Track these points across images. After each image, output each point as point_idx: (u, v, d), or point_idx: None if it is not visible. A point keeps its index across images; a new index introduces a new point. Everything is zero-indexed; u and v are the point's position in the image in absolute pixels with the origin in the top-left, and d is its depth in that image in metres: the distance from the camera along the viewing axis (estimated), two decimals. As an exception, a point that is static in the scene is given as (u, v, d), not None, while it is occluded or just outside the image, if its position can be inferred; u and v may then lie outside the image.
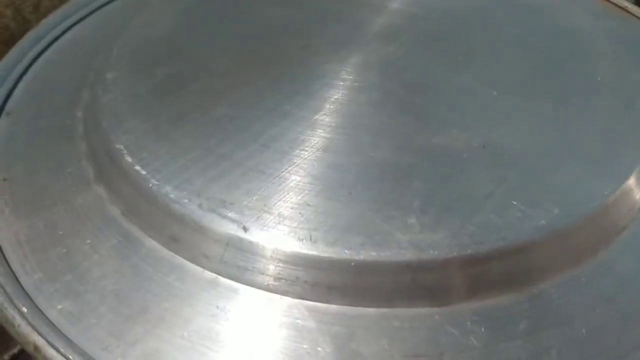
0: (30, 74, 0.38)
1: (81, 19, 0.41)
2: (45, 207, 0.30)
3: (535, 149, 0.30)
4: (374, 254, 0.25)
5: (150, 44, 0.37)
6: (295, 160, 0.30)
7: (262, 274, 0.26)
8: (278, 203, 0.28)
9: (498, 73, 0.35)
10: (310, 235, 0.26)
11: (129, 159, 0.30)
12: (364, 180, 0.29)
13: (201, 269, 0.27)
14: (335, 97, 0.33)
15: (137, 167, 0.29)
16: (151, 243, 0.28)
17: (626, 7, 0.41)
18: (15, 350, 0.43)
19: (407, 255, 0.25)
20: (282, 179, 0.29)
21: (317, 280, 0.26)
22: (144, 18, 0.39)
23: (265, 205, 0.27)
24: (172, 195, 0.28)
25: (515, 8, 0.40)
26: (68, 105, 0.35)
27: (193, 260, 0.27)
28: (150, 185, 0.29)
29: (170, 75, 0.34)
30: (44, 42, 0.39)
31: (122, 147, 0.30)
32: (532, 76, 0.35)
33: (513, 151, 0.30)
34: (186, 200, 0.28)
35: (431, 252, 0.25)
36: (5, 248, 0.29)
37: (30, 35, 0.39)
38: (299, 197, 0.28)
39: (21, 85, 0.37)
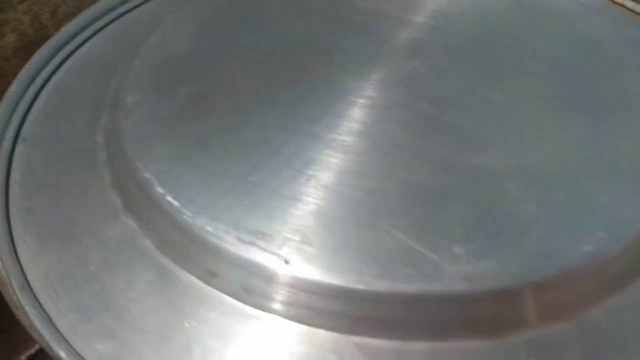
0: (44, 95, 0.36)
1: (94, 33, 0.40)
2: (74, 241, 0.29)
3: (576, 168, 0.30)
4: (423, 286, 0.25)
5: (169, 62, 0.36)
6: (331, 187, 0.29)
7: (307, 308, 0.26)
8: (319, 234, 0.27)
9: (528, 87, 0.34)
10: (356, 268, 0.25)
11: (160, 189, 0.29)
12: (403, 206, 0.28)
13: (242, 305, 0.27)
14: (364, 116, 0.32)
15: (169, 198, 0.28)
16: (188, 277, 0.28)
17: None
18: (33, 350, 0.43)
19: (458, 287, 0.25)
20: (319, 208, 0.28)
21: (366, 315, 0.25)
22: (161, 34, 0.37)
23: (305, 236, 0.27)
24: (208, 228, 0.27)
25: (535, 17, 0.39)
26: (87, 128, 0.34)
27: (234, 295, 0.27)
28: (185, 217, 0.28)
29: (194, 96, 0.33)
30: (56, 60, 0.38)
31: (151, 176, 0.29)
32: (563, 90, 0.34)
33: (553, 171, 0.30)
34: (223, 233, 0.27)
35: (482, 283, 0.25)
36: (34, 286, 0.28)
37: (43, 52, 0.38)
38: (340, 227, 0.27)
39: (35, 108, 0.36)
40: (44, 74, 0.37)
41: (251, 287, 0.26)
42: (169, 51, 0.36)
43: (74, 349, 0.25)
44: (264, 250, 0.26)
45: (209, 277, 0.27)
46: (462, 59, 0.36)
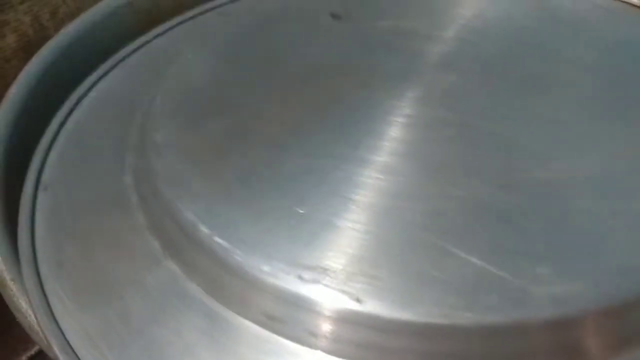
0: (62, 138, 0.34)
1: (106, 73, 0.38)
2: (114, 293, 0.27)
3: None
4: (513, 314, 0.23)
5: (193, 95, 0.34)
6: (387, 213, 0.27)
7: (387, 351, 0.23)
8: (385, 265, 0.25)
9: (566, 95, 0.33)
10: (434, 301, 0.23)
11: (205, 229, 0.26)
12: (469, 227, 0.26)
13: (309, 349, 0.24)
14: (407, 136, 0.31)
15: (217, 239, 0.26)
16: (244, 323, 0.25)
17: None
18: (33, 351, 0.42)
19: (550, 311, 0.23)
20: (379, 236, 0.26)
21: (452, 351, 0.23)
22: (180, 66, 0.35)
23: (372, 270, 0.24)
24: (265, 268, 0.25)
25: (560, 24, 0.38)
26: (112, 171, 0.32)
27: (298, 340, 0.24)
28: (236, 257, 0.25)
29: (226, 129, 0.31)
30: (69, 104, 0.36)
31: (193, 216, 0.27)
32: (601, 95, 0.32)
33: (618, 179, 0.28)
34: (282, 272, 0.25)
35: (574, 305, 0.23)
36: (77, 347, 0.25)
37: (43, 54, 0.36)
38: (406, 255, 0.25)
39: (54, 152, 0.34)
40: (61, 114, 0.35)
41: (317, 330, 0.24)
42: (191, 83, 0.34)
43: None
44: (330, 288, 0.24)
45: (268, 321, 0.25)
46: (495, 71, 0.34)
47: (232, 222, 0.27)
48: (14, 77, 0.35)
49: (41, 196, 0.31)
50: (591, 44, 0.36)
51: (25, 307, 0.26)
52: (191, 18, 0.43)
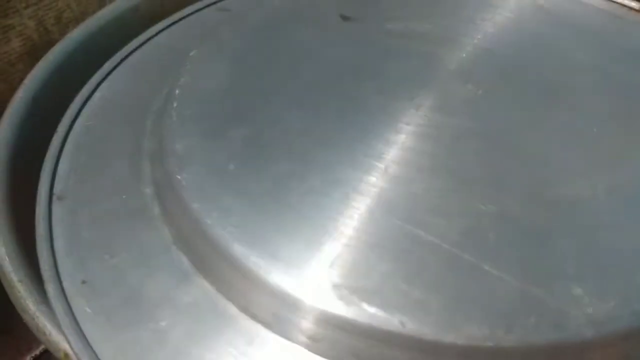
0: (70, 144, 0.33)
1: (109, 73, 0.37)
2: (146, 312, 0.26)
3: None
4: (554, 336, 0.23)
5: (211, 102, 0.33)
6: (421, 231, 0.27)
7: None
8: (423, 287, 0.25)
9: (588, 105, 0.33)
10: (476, 322, 0.24)
11: (240, 248, 0.26)
12: (502, 244, 0.26)
13: (352, 370, 0.24)
14: (435, 149, 0.30)
15: (255, 258, 0.26)
16: (285, 343, 0.25)
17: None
18: (37, 351, 0.42)
19: (589, 333, 0.23)
20: (414, 256, 0.26)
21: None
22: (192, 71, 0.34)
23: (411, 290, 0.25)
24: (304, 289, 0.25)
25: (576, 32, 0.38)
26: (129, 181, 0.31)
27: (341, 361, 0.25)
28: (275, 277, 0.25)
29: (248, 138, 0.31)
30: (77, 103, 0.34)
31: (225, 232, 0.27)
32: (624, 105, 0.33)
33: (641, 193, 0.29)
34: (326, 294, 0.25)
35: (612, 327, 0.24)
36: (113, 370, 0.25)
37: (49, 58, 0.35)
38: (443, 276, 0.25)
39: (64, 160, 0.33)
40: (67, 118, 0.34)
41: (360, 352, 0.24)
42: (206, 89, 0.33)
43: None
44: (372, 310, 0.24)
45: (312, 342, 0.25)
46: (515, 80, 0.34)
47: (266, 239, 0.26)
48: (19, 80, 0.34)
49: (56, 207, 0.30)
50: (609, 52, 0.37)
51: (32, 309, 0.26)
52: (191, 14, 0.42)
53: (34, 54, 0.42)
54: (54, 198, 0.31)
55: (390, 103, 0.33)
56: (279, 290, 0.25)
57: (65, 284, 0.27)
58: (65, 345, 0.24)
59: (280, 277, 0.25)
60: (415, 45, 0.36)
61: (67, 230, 0.30)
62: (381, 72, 0.35)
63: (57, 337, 0.24)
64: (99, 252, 0.29)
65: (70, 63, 0.36)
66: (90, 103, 0.35)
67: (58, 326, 0.25)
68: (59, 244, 0.29)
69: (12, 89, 0.34)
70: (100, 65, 0.36)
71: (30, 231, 0.29)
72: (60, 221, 0.30)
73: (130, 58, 0.38)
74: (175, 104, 0.32)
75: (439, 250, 0.26)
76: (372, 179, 0.29)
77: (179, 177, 0.29)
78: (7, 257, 0.27)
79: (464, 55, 0.36)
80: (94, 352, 0.25)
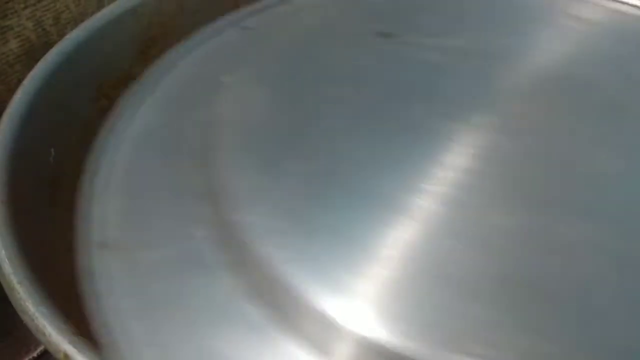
0: (113, 184, 0.30)
1: (139, 104, 0.34)
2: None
3: None
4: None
5: (258, 132, 0.31)
6: (489, 260, 0.26)
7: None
8: (474, 316, 0.24)
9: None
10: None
11: (327, 300, 0.24)
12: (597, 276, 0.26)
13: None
14: (496, 172, 0.29)
15: (341, 316, 0.24)
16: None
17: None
18: (35, 353, 0.42)
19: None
20: (480, 289, 0.25)
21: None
22: (229, 100, 0.32)
23: (461, 325, 0.24)
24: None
25: (635, 46, 0.37)
26: (180, 226, 0.29)
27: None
28: (363, 334, 0.24)
29: (305, 174, 0.29)
30: (116, 142, 0.32)
31: (312, 284, 0.25)
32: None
33: None
34: (412, 344, 0.23)
35: None
36: None
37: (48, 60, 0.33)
38: (519, 313, 0.24)
39: (102, 203, 0.30)
40: (96, 158, 0.31)
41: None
42: (250, 119, 0.31)
43: None
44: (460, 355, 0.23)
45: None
46: (574, 95, 0.33)
47: (350, 290, 0.25)
48: (17, 82, 0.33)
49: (101, 256, 0.28)
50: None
51: (32, 310, 0.24)
52: (213, 35, 0.39)
53: (32, 55, 0.42)
54: (98, 246, 0.28)
55: (446, 124, 0.32)
56: (377, 344, 0.24)
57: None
58: (65, 346, 0.22)
59: (369, 335, 0.24)
60: (462, 62, 0.35)
61: (116, 286, 0.27)
62: (433, 91, 0.33)
63: (56, 338, 0.23)
64: (162, 308, 0.26)
65: (69, 64, 0.34)
66: (120, 137, 0.33)
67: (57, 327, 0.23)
68: (107, 303, 0.26)
69: (10, 90, 0.32)
70: (100, 65, 0.35)
71: (30, 232, 0.27)
72: (105, 275, 0.27)
73: (157, 88, 0.35)
74: (225, 139, 0.30)
75: (505, 284, 0.25)
76: (434, 208, 0.28)
77: (242, 219, 0.27)
78: (7, 259, 0.25)
79: (517, 71, 0.35)
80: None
